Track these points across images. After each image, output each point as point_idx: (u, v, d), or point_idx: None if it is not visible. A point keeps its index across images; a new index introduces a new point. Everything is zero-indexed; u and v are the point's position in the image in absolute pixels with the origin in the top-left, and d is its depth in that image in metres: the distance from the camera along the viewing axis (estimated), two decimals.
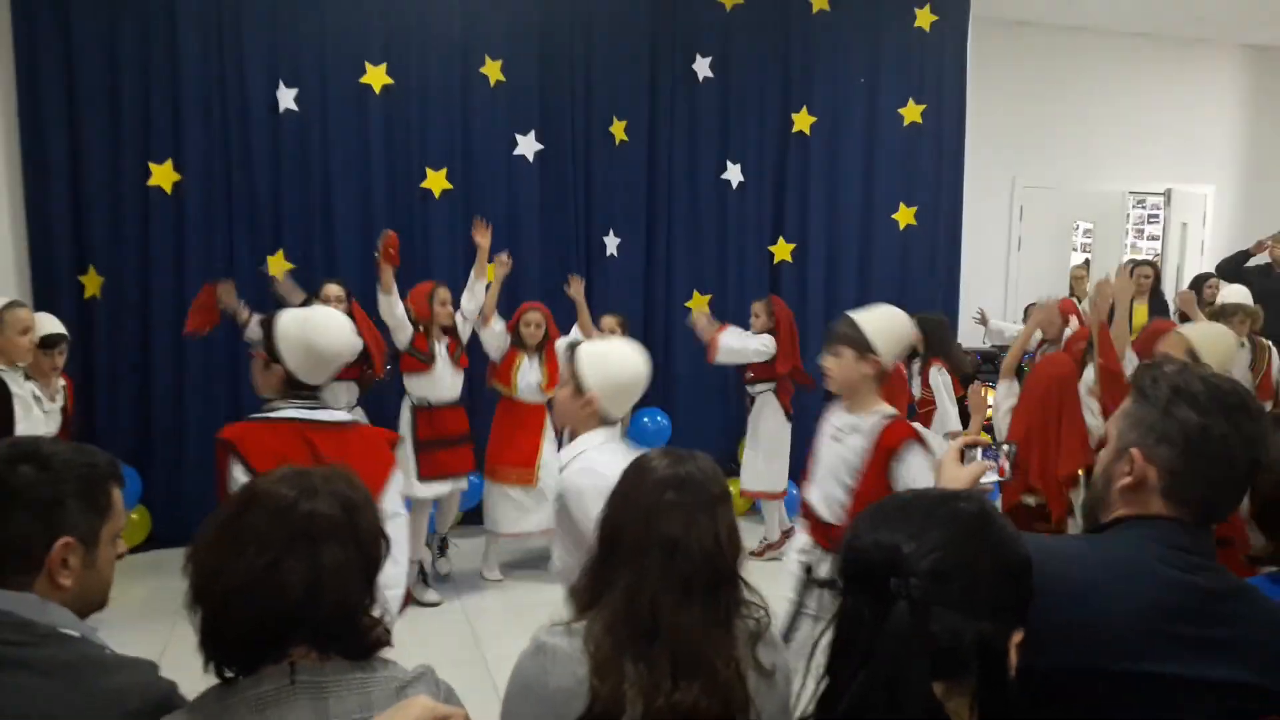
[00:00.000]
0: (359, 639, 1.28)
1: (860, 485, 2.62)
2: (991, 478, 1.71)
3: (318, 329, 2.40)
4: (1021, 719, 1.12)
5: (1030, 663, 1.24)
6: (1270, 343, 5.10)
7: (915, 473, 2.54)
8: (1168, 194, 8.09)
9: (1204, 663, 1.28)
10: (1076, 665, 1.27)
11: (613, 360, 2.33)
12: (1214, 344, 3.37)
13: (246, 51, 5.31)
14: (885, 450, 2.59)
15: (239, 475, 2.21)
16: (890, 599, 1.03)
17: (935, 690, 1.03)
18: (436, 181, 5.66)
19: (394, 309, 4.56)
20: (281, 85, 5.38)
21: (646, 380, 2.39)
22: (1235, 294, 5.26)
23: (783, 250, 6.47)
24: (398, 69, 5.56)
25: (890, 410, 2.71)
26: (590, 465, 2.14)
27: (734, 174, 6.28)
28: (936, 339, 4.91)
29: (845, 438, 2.69)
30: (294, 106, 5.40)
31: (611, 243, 6.07)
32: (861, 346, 2.67)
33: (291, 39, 5.39)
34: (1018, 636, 1.10)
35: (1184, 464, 1.36)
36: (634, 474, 1.56)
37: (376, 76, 5.51)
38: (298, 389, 2.39)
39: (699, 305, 6.24)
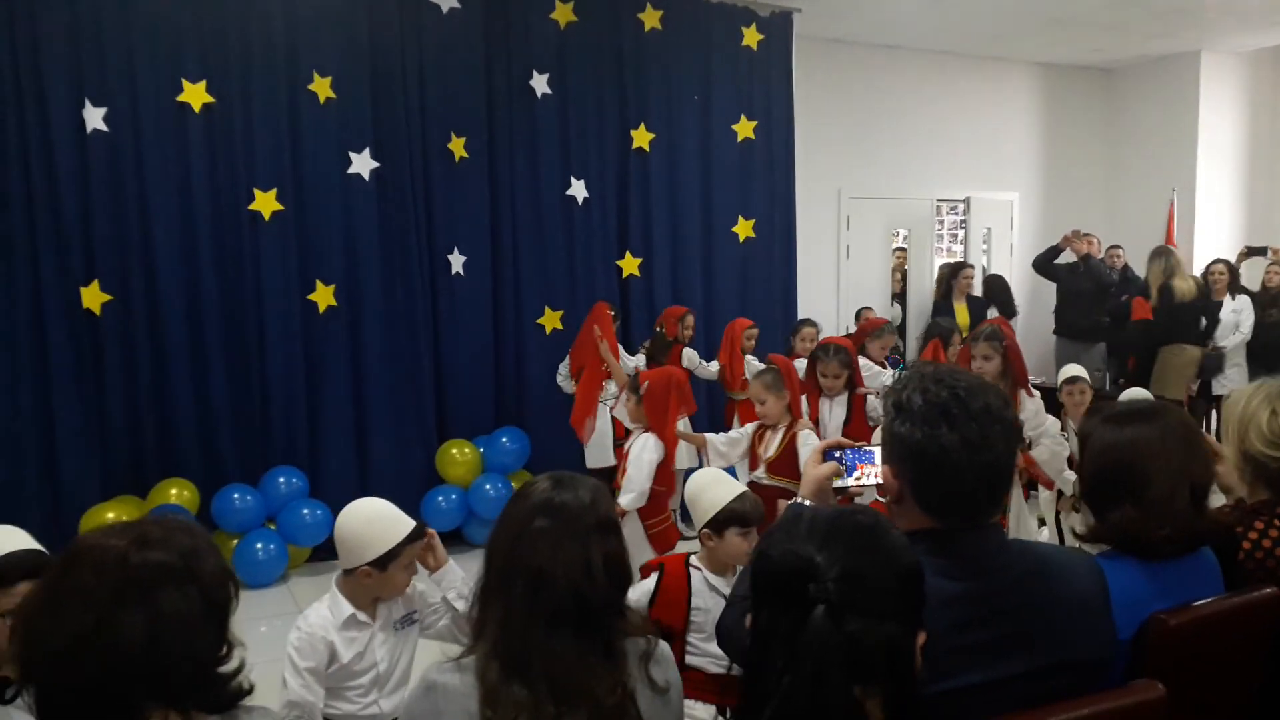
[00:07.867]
0: (218, 691, 1.21)
1: None
2: (871, 480, 1.69)
3: None
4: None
5: None
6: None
7: None
8: (967, 201, 8.72)
9: (1004, 662, 1.33)
10: None
11: None
12: None
13: (45, 68, 4.89)
14: None
15: None
16: (806, 607, 1.08)
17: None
18: (266, 203, 5.39)
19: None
20: (88, 104, 4.99)
21: None
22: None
23: (630, 264, 6.55)
24: (218, 86, 5.26)
25: None
26: None
27: (578, 190, 6.30)
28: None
29: None
30: (103, 127, 5.03)
31: (457, 261, 5.96)
32: None
33: (96, 55, 5.01)
34: (921, 638, 1.16)
35: (920, 477, 1.38)
36: (516, 497, 1.54)
37: (195, 95, 5.20)
38: None
39: (551, 322, 6.24)
